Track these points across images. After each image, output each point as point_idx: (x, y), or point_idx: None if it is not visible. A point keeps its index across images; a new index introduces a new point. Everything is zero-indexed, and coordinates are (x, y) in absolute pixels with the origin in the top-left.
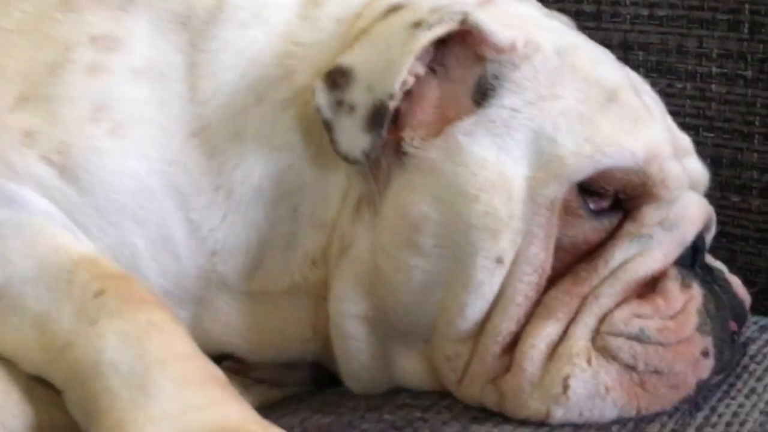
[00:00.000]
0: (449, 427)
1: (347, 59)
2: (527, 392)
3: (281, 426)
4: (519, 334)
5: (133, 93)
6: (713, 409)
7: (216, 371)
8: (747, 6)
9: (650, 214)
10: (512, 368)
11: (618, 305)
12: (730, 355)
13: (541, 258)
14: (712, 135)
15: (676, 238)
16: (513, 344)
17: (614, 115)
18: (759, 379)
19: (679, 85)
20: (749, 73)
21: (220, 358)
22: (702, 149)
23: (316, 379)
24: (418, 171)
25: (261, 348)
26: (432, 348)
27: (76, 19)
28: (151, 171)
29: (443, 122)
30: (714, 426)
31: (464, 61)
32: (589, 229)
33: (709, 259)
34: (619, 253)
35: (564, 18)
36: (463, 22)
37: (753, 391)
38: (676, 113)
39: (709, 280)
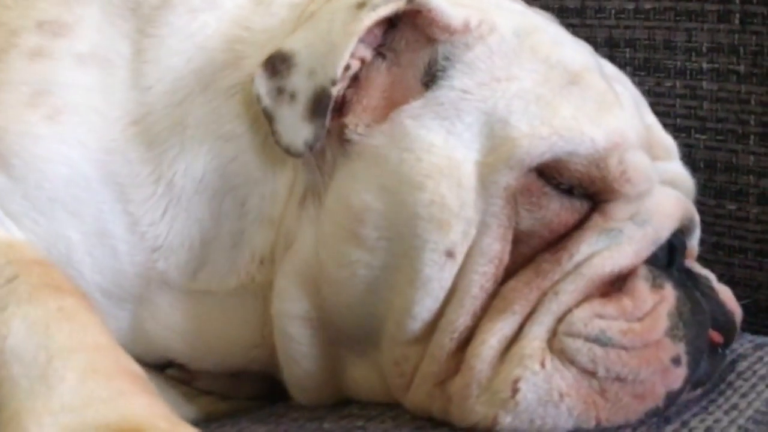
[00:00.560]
0: None
1: (288, 44)
2: (474, 395)
3: None
4: (474, 330)
5: (76, 79)
6: (684, 423)
7: (130, 364)
8: None
9: (620, 207)
10: (462, 368)
11: (579, 304)
12: (709, 368)
13: (496, 249)
14: (704, 137)
15: (649, 234)
16: (466, 342)
17: (576, 98)
18: (743, 396)
19: (668, 83)
20: (742, 68)
21: (164, 365)
22: (694, 153)
23: (270, 394)
24: (361, 159)
25: (204, 353)
26: (381, 353)
27: (27, 5)
28: (87, 159)
29: (390, 107)
30: None
31: (414, 44)
32: (558, 207)
33: (694, 265)
34: (586, 246)
35: (546, 15)
36: (411, 0)
37: (734, 407)
38: (665, 114)
39: (690, 285)
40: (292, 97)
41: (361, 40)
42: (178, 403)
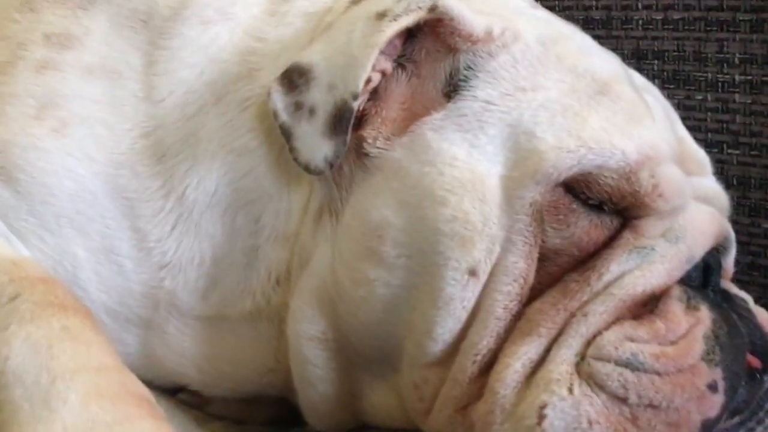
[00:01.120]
0: None
1: (306, 57)
2: (498, 422)
3: None
4: (498, 353)
5: (83, 91)
6: None
7: (136, 386)
8: None
9: (652, 224)
10: (485, 393)
11: (609, 326)
12: (747, 395)
13: (521, 267)
14: (737, 152)
15: (682, 252)
16: (490, 366)
17: (605, 109)
18: None
19: (699, 96)
20: None
21: (175, 390)
22: (727, 169)
23: (285, 419)
24: (380, 173)
25: (217, 380)
26: (400, 376)
27: (34, 19)
28: (94, 173)
29: (410, 119)
30: None
31: (435, 54)
32: (587, 225)
33: (730, 286)
34: (616, 265)
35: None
36: (433, 9)
37: None
38: (696, 128)
39: (726, 306)
40: (311, 112)
41: (382, 52)
42: (190, 429)
